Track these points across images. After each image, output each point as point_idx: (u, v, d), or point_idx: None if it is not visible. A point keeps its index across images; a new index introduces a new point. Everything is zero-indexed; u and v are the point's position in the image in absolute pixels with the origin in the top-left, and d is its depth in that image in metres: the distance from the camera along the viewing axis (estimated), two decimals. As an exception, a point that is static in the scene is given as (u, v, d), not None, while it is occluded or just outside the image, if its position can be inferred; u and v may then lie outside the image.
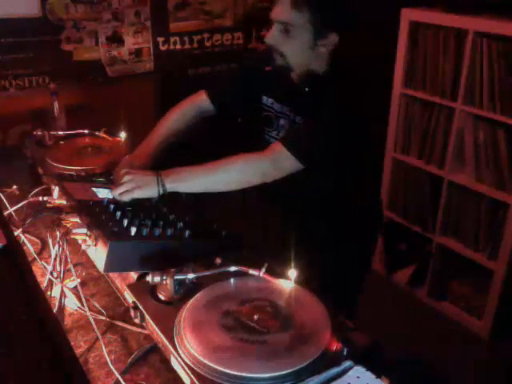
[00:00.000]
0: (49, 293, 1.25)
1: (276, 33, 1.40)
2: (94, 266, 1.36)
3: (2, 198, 1.58)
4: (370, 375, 0.87)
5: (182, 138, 1.67)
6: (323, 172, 1.49)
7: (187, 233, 1.20)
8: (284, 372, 0.85)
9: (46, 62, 2.76)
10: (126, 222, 1.16)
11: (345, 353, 0.90)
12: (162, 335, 0.95)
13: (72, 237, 1.16)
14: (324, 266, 1.54)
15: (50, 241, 1.32)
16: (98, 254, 1.12)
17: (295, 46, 1.40)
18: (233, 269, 1.04)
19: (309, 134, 1.41)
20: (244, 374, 0.85)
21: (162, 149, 1.61)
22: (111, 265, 1.09)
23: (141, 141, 1.66)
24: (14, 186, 1.62)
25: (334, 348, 0.91)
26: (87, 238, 1.14)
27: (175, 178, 1.34)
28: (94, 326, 1.10)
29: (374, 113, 1.47)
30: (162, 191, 1.32)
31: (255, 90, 1.62)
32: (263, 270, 1.01)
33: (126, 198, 1.29)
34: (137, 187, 1.30)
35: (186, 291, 1.05)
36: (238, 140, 1.85)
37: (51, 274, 1.26)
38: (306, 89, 1.48)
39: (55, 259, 1.24)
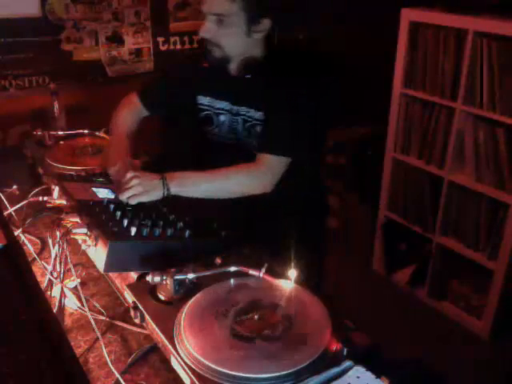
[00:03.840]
0: (49, 293, 1.25)
1: (210, 25, 1.41)
2: (94, 266, 1.36)
3: (2, 198, 1.58)
4: (369, 375, 0.87)
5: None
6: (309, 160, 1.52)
7: (187, 233, 1.20)
8: (284, 372, 0.85)
9: (45, 62, 2.76)
10: (126, 222, 1.16)
11: (345, 353, 0.90)
12: (161, 335, 0.95)
13: (72, 237, 1.16)
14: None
15: (50, 241, 1.32)
16: (98, 253, 1.12)
17: (231, 35, 1.41)
18: (233, 269, 1.04)
19: (282, 127, 1.44)
20: (244, 374, 0.85)
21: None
22: (111, 265, 1.09)
23: (141, 140, 1.66)
24: (14, 186, 1.62)
25: (334, 348, 0.91)
26: (87, 238, 1.14)
27: (180, 183, 1.36)
28: (94, 326, 1.10)
29: (321, 88, 1.51)
30: (165, 194, 1.33)
31: (191, 90, 1.62)
32: (263, 270, 1.01)
33: (134, 201, 1.29)
34: (144, 191, 1.31)
35: (185, 291, 1.05)
36: (180, 142, 1.87)
37: (51, 274, 1.26)
38: (247, 76, 1.49)
39: (55, 259, 1.24)
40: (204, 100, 1.60)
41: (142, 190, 1.30)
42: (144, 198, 1.30)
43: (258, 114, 1.49)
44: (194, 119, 1.66)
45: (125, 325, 1.18)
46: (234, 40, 1.42)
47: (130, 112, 1.69)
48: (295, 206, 1.61)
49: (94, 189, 1.35)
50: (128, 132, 1.64)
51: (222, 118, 1.58)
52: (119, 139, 1.61)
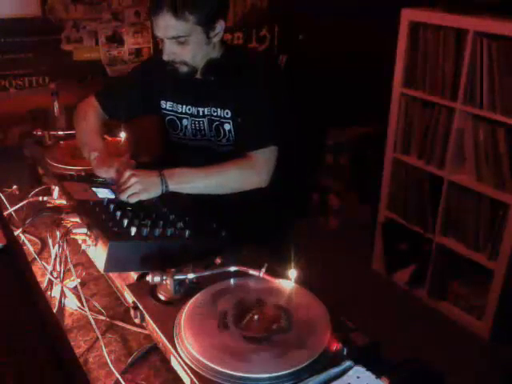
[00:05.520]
0: (49, 293, 1.25)
1: (171, 47, 1.41)
2: (94, 266, 1.35)
3: (2, 198, 1.58)
4: (369, 375, 0.87)
5: None
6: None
7: (187, 233, 1.20)
8: (284, 372, 0.86)
9: (45, 62, 2.76)
10: (126, 222, 1.16)
11: (345, 353, 0.91)
12: (162, 335, 0.95)
13: (72, 237, 1.17)
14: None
15: (49, 241, 1.32)
16: (98, 253, 1.12)
17: (194, 50, 1.43)
18: (233, 269, 1.04)
19: (262, 120, 1.47)
20: (244, 374, 0.85)
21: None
22: (111, 265, 1.10)
23: (141, 140, 1.66)
24: (14, 186, 1.62)
25: (334, 348, 0.91)
26: (87, 238, 1.14)
27: (178, 180, 1.36)
28: (94, 326, 1.10)
29: (275, 78, 1.57)
30: (164, 191, 1.34)
31: (154, 95, 1.61)
32: (263, 270, 1.01)
33: (134, 200, 1.30)
34: (143, 189, 1.31)
35: (185, 291, 1.05)
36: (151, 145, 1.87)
37: (51, 274, 1.26)
38: (212, 78, 1.51)
39: (55, 259, 1.24)
40: (166, 105, 1.61)
41: (140, 187, 1.30)
42: (143, 196, 1.31)
43: (226, 112, 1.51)
44: (158, 125, 1.68)
45: (125, 325, 1.18)
46: (196, 53, 1.44)
47: (95, 114, 1.64)
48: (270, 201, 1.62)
49: (93, 189, 1.35)
50: (101, 134, 1.62)
51: (185, 121, 1.59)
52: (99, 142, 1.57)
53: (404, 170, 2.80)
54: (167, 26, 1.36)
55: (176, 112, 1.59)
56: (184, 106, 1.57)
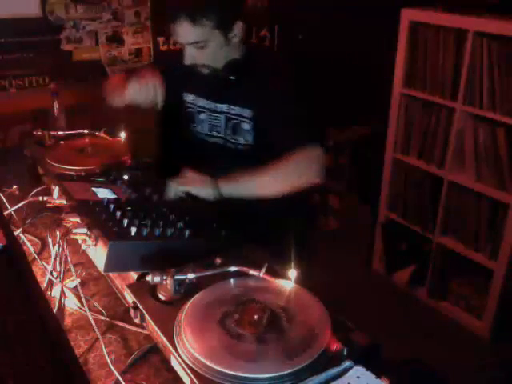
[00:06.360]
0: (49, 293, 1.25)
1: (192, 52, 1.44)
2: (94, 266, 1.35)
3: (2, 198, 1.58)
4: (370, 375, 0.87)
5: None
6: None
7: (187, 233, 1.20)
8: (284, 372, 0.85)
9: (46, 62, 2.76)
10: (126, 222, 1.16)
11: (345, 353, 0.90)
12: (162, 335, 0.95)
13: (72, 237, 1.16)
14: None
15: (49, 241, 1.32)
16: (98, 254, 1.12)
17: (214, 53, 1.45)
18: (233, 269, 1.04)
19: (301, 122, 1.45)
20: (244, 374, 0.85)
21: None
22: (111, 265, 1.09)
23: (141, 140, 1.66)
24: (14, 186, 1.62)
25: (334, 348, 0.91)
26: (87, 238, 1.14)
27: (231, 183, 1.38)
28: (94, 326, 1.10)
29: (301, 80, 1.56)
30: (216, 193, 1.35)
31: (176, 86, 1.64)
32: (263, 270, 1.01)
33: (184, 189, 1.34)
34: (198, 184, 1.35)
35: (185, 291, 1.05)
36: (168, 136, 1.88)
37: (51, 274, 1.26)
38: (232, 78, 1.51)
39: (55, 259, 1.24)
40: (189, 97, 1.64)
41: (194, 183, 1.35)
42: (194, 190, 1.34)
43: (245, 112, 1.51)
44: (177, 117, 1.68)
45: (125, 325, 1.18)
46: (216, 55, 1.46)
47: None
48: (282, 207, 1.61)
49: (93, 189, 1.35)
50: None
51: (203, 116, 1.61)
52: None
53: (404, 170, 2.80)
54: (186, 32, 1.39)
55: (196, 105, 1.62)
56: (204, 100, 1.59)
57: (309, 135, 1.44)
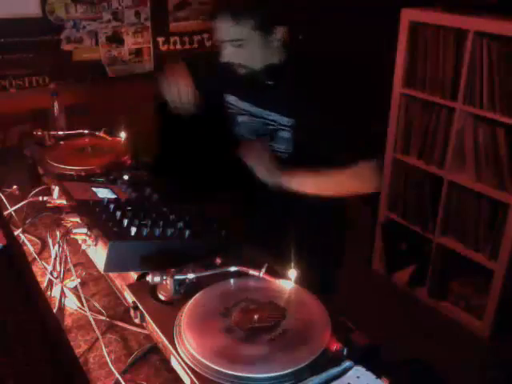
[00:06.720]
0: (49, 293, 1.25)
1: (230, 50, 1.43)
2: (94, 266, 1.35)
3: (2, 198, 1.58)
4: (370, 375, 0.87)
5: None
6: None
7: (187, 233, 1.20)
8: (284, 372, 0.85)
9: (46, 62, 2.76)
10: (125, 222, 1.16)
11: (345, 353, 0.90)
12: (161, 335, 0.95)
13: (72, 237, 1.16)
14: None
15: (50, 241, 1.32)
16: (98, 253, 1.12)
17: (251, 53, 1.43)
18: (233, 269, 1.04)
19: (352, 136, 1.46)
20: (244, 374, 0.85)
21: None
22: (111, 265, 1.09)
23: (141, 141, 1.66)
24: (14, 186, 1.62)
25: (334, 348, 0.91)
26: (87, 238, 1.14)
27: (295, 177, 1.41)
28: (94, 326, 1.10)
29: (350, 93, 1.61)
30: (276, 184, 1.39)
31: (219, 87, 1.64)
32: (263, 270, 1.01)
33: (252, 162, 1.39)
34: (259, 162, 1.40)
35: (186, 291, 1.05)
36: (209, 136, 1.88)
37: (51, 274, 1.26)
38: (269, 82, 1.50)
39: (55, 259, 1.24)
40: (230, 98, 1.63)
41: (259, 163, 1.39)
42: (258, 171, 1.39)
43: (284, 120, 1.49)
44: (219, 117, 1.68)
45: (125, 325, 1.18)
46: (254, 56, 1.44)
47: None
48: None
49: (93, 189, 1.35)
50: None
51: (242, 118, 1.60)
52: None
53: (404, 170, 2.80)
54: (223, 29, 1.39)
55: (237, 107, 1.61)
56: (245, 103, 1.58)
57: (363, 148, 1.46)
